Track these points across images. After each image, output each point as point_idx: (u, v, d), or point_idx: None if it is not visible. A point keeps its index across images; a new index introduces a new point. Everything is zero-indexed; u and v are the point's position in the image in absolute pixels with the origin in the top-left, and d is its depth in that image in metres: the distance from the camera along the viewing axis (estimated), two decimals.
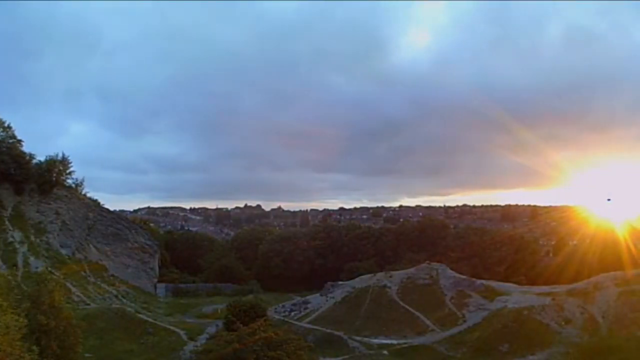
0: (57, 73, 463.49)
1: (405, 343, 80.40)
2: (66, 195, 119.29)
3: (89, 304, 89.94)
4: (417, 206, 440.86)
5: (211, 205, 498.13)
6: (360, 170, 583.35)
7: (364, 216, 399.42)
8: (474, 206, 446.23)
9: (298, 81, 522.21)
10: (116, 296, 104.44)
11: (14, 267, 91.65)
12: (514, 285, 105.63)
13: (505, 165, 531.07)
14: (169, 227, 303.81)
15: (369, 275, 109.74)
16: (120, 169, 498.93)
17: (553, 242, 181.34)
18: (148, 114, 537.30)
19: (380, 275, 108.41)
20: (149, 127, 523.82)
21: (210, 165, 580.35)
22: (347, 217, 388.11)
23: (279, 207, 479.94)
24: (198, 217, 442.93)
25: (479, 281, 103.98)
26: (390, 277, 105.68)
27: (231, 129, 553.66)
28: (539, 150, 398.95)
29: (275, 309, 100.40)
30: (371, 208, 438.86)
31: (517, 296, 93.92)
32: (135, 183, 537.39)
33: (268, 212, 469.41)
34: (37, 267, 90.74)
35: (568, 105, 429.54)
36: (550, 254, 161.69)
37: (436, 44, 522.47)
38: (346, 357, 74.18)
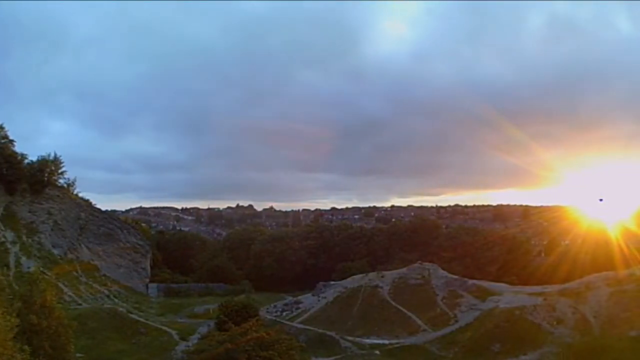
0: (27, 71, 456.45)
1: (397, 343, 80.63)
2: (58, 195, 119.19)
3: (80, 304, 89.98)
4: (409, 206, 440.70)
5: (203, 205, 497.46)
6: (347, 170, 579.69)
7: (356, 216, 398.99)
8: (465, 206, 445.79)
9: (273, 77, 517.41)
10: (108, 296, 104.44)
11: (5, 268, 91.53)
12: (506, 285, 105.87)
13: (496, 165, 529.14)
14: (161, 227, 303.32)
15: (360, 275, 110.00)
16: (104, 168, 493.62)
17: (545, 242, 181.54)
18: (125, 113, 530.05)
19: (372, 275, 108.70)
20: (128, 126, 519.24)
21: (196, 165, 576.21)
22: (339, 217, 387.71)
23: (271, 207, 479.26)
24: (190, 217, 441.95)
25: (470, 281, 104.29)
26: (382, 277, 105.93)
27: (212, 128, 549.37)
28: (529, 149, 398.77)
29: (267, 309, 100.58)
30: (363, 208, 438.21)
31: (509, 296, 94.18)
32: (122, 183, 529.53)
33: (260, 212, 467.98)
34: (29, 267, 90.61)
35: (555, 101, 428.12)
36: (542, 254, 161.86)
37: (413, 36, 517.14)
38: (338, 357, 74.26)
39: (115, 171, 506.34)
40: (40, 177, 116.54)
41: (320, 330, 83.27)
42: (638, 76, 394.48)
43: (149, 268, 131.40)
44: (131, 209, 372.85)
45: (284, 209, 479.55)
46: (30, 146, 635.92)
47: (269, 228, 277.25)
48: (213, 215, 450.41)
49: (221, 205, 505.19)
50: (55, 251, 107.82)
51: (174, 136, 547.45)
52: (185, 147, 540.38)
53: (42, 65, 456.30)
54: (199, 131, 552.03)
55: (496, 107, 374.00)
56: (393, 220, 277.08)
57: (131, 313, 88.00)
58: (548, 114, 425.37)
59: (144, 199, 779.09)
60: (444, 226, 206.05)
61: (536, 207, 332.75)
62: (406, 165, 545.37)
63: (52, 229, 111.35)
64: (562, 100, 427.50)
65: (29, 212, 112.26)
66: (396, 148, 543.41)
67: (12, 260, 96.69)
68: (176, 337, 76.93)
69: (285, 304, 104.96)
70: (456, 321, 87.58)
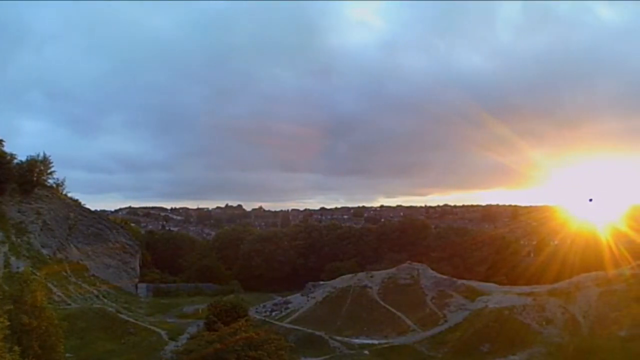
0: None
1: (386, 343, 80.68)
2: (47, 195, 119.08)
3: (70, 304, 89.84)
4: (398, 206, 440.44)
5: (192, 205, 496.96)
6: (330, 169, 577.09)
7: (345, 216, 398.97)
8: (454, 206, 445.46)
9: (240, 74, 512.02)
10: (97, 296, 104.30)
11: None
12: (495, 285, 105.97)
13: (482, 164, 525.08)
14: (150, 227, 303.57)
15: (350, 275, 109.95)
16: (84, 168, 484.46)
17: (534, 242, 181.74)
18: (96, 111, 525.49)
19: (361, 275, 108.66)
20: (101, 124, 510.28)
21: (176, 165, 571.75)
22: (328, 217, 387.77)
23: (260, 207, 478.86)
24: (179, 217, 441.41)
25: (460, 281, 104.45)
26: (371, 277, 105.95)
27: (186, 126, 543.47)
28: (515, 146, 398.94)
29: (257, 309, 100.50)
30: (352, 208, 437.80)
31: (498, 296, 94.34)
32: (105, 183, 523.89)
33: (249, 212, 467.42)
34: (18, 267, 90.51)
35: (537, 96, 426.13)
36: (532, 254, 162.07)
37: (381, 26, 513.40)
38: (327, 357, 74.44)
39: (95, 171, 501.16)
40: (30, 177, 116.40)
41: (309, 330, 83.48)
42: (622, 68, 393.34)
43: (138, 268, 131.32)
44: (120, 209, 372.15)
45: (273, 209, 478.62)
46: (7, 146, 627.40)
47: (258, 228, 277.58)
48: (202, 215, 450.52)
49: (210, 205, 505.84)
50: (45, 251, 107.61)
51: (149, 135, 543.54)
52: (162, 146, 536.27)
53: (7, 62, 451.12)
54: (174, 130, 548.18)
55: (477, 103, 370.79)
56: (382, 220, 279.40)
57: (120, 313, 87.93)
58: (531, 110, 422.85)
59: (129, 199, 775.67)
60: (433, 226, 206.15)
61: (525, 207, 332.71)
62: (389, 165, 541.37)
63: (41, 229, 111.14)
64: (544, 95, 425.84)
65: (18, 212, 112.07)
66: (377, 147, 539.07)
67: (1, 260, 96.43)
68: (165, 337, 76.97)
69: (275, 304, 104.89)
70: (445, 321, 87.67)
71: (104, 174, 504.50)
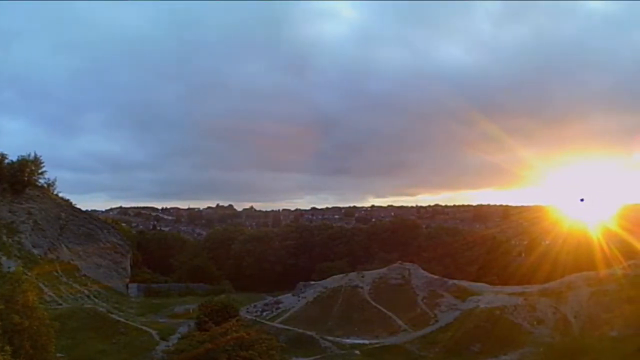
0: None
1: (377, 343, 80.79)
2: (38, 195, 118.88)
3: (61, 304, 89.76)
4: (389, 206, 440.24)
5: (183, 205, 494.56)
6: (316, 169, 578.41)
7: (336, 216, 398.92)
8: (445, 206, 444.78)
9: (213, 72, 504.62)
10: (88, 296, 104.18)
11: None
12: (486, 285, 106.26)
13: (471, 163, 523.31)
14: (141, 227, 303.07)
15: (341, 275, 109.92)
16: (67, 168, 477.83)
17: (525, 242, 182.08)
18: (72, 110, 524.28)
19: (352, 275, 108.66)
20: (80, 124, 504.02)
21: (160, 165, 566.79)
22: (319, 217, 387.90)
23: (251, 207, 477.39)
24: (170, 217, 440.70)
25: (451, 281, 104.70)
26: (363, 277, 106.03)
27: (165, 125, 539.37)
28: (504, 145, 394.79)
29: (247, 309, 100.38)
30: (343, 208, 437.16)
31: (489, 296, 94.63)
32: (91, 183, 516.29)
33: (240, 212, 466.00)
34: (9, 267, 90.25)
35: (524, 91, 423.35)
36: (523, 254, 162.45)
37: (352, 16, 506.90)
38: (318, 357, 74.58)
39: (79, 170, 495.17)
40: (21, 177, 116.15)
41: (300, 330, 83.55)
42: (611, 62, 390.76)
43: (129, 268, 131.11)
44: (111, 209, 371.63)
45: (264, 209, 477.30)
46: None
47: (249, 228, 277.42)
48: (193, 215, 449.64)
49: (201, 205, 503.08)
50: (36, 251, 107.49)
51: (129, 134, 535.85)
52: (144, 145, 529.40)
53: None
54: (153, 129, 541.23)
55: (462, 99, 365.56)
56: (373, 220, 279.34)
57: (111, 313, 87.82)
58: (518, 106, 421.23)
59: (116, 199, 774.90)
60: (424, 226, 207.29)
61: (516, 207, 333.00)
62: (376, 164, 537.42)
63: (32, 229, 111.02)
64: (530, 91, 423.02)
65: (9, 212, 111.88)
66: (362, 146, 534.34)
67: None
68: (156, 337, 76.86)
69: (266, 304, 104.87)
70: (436, 321, 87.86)
71: (88, 173, 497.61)
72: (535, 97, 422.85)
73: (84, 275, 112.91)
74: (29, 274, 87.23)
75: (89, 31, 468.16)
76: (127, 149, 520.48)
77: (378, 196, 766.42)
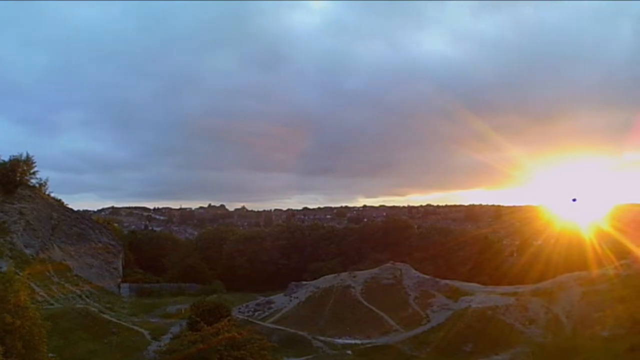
0: None
1: (369, 343, 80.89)
2: (30, 195, 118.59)
3: (52, 304, 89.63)
4: (380, 206, 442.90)
5: (175, 205, 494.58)
6: (302, 169, 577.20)
7: (328, 216, 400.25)
8: (437, 206, 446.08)
9: (186, 69, 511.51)
10: (80, 296, 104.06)
11: None
12: (478, 285, 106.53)
13: (460, 162, 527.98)
14: (133, 227, 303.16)
15: (332, 275, 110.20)
16: (52, 168, 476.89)
17: (517, 242, 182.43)
18: (49, 109, 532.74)
19: (344, 275, 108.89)
20: (58, 123, 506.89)
21: (145, 164, 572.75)
22: (311, 217, 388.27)
23: (243, 207, 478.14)
24: (162, 217, 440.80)
25: (443, 281, 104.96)
26: (354, 277, 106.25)
27: (144, 123, 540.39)
28: (493, 143, 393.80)
29: (239, 309, 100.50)
30: (335, 208, 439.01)
31: (481, 296, 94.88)
32: (77, 183, 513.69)
33: (232, 212, 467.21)
34: (1, 267, 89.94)
35: (507, 85, 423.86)
36: (515, 255, 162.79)
37: (325, 8, 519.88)
38: (310, 357, 74.60)
39: (63, 170, 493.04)
40: (12, 177, 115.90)
41: (292, 330, 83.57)
42: (600, 54, 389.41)
43: (121, 268, 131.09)
44: (103, 209, 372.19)
45: (255, 209, 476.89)
46: None
47: (241, 228, 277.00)
48: (185, 215, 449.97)
49: (193, 205, 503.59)
50: (27, 251, 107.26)
51: (109, 132, 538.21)
52: (125, 144, 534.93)
53: None
54: (133, 127, 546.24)
55: (447, 95, 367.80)
56: (365, 220, 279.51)
57: (103, 313, 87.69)
58: (504, 102, 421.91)
59: (105, 199, 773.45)
60: (415, 226, 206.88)
61: (508, 207, 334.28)
62: (363, 164, 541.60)
63: (24, 229, 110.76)
64: (515, 86, 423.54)
65: (1, 212, 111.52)
66: (346, 145, 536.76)
67: None
68: (148, 337, 76.79)
69: (257, 304, 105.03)
70: (428, 321, 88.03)
71: (73, 173, 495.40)
72: (521, 92, 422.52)
73: (76, 275, 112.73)
74: (21, 274, 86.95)
75: (58, 29, 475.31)
76: (110, 148, 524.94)
77: (368, 196, 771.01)
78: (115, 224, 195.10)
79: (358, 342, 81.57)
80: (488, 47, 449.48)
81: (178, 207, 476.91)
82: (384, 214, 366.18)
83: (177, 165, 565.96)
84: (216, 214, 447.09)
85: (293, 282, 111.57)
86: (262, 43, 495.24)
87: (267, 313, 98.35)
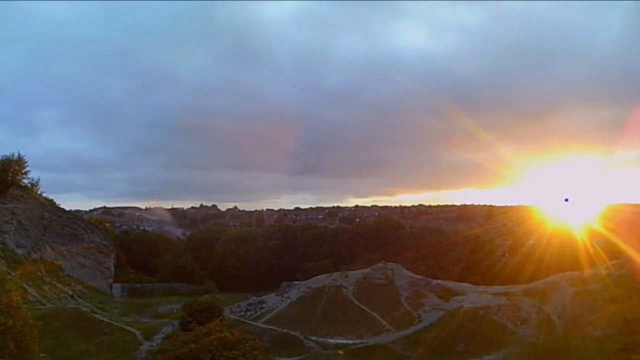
0: None
1: (361, 343, 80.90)
2: (22, 195, 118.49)
3: (44, 304, 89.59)
4: (372, 206, 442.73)
5: (167, 205, 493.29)
6: (288, 168, 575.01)
7: (320, 216, 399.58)
8: (429, 206, 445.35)
9: (159, 65, 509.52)
10: (72, 296, 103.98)
11: None
12: (470, 285, 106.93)
13: (450, 161, 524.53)
14: (125, 227, 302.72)
15: (324, 275, 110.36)
16: (35, 167, 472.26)
17: (509, 243, 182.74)
18: (23, 108, 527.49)
19: (336, 275, 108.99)
20: (35, 122, 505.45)
21: (128, 164, 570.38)
22: (303, 217, 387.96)
23: (235, 207, 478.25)
24: (154, 217, 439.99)
25: (434, 281, 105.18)
26: (346, 277, 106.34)
27: (123, 122, 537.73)
28: (482, 142, 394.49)
29: (231, 308, 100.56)
30: (327, 208, 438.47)
31: (473, 296, 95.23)
32: (63, 182, 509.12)
33: (224, 212, 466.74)
34: None
35: (490, 79, 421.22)
36: (506, 255, 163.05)
37: (300, 2, 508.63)
38: (302, 357, 74.59)
39: (47, 169, 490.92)
40: (4, 177, 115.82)
41: (284, 330, 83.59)
42: (589, 48, 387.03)
43: (113, 268, 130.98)
44: (95, 209, 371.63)
45: (247, 209, 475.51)
46: None
47: (233, 228, 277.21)
48: (177, 216, 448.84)
49: (185, 205, 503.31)
50: (19, 251, 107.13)
51: (88, 131, 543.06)
52: (107, 143, 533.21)
53: None
54: (111, 125, 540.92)
55: (432, 92, 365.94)
56: (357, 220, 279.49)
57: (95, 313, 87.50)
58: (489, 98, 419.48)
59: (92, 199, 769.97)
60: (407, 226, 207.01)
61: (500, 207, 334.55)
62: (350, 163, 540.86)
63: (15, 229, 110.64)
64: (501, 82, 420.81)
65: None
66: (331, 144, 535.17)
67: None
68: (140, 337, 76.69)
69: (249, 304, 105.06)
70: (420, 321, 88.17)
71: (58, 173, 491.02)
72: (509, 88, 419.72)
73: (68, 275, 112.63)
74: (13, 274, 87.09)
75: (28, 27, 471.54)
76: (92, 147, 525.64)
77: (358, 196, 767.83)
78: (107, 224, 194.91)
79: (350, 342, 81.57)
80: (472, 41, 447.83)
81: (170, 207, 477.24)
82: (376, 214, 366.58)
83: (162, 164, 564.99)
84: (208, 214, 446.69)
85: (285, 282, 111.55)
86: (233, 38, 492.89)
87: (259, 313, 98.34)
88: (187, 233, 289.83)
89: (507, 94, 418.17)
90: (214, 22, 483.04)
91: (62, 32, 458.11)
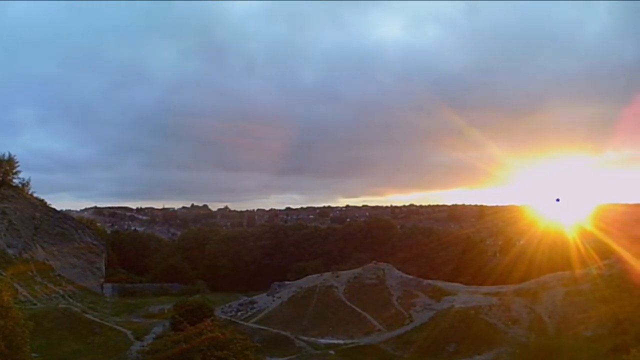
0: None
1: (352, 343, 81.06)
2: (13, 195, 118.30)
3: (35, 304, 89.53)
4: (363, 206, 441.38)
5: (158, 205, 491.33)
6: (273, 168, 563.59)
7: (311, 216, 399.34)
8: (420, 206, 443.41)
9: (130, 61, 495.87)
10: (63, 296, 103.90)
11: None
12: (461, 285, 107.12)
13: (439, 161, 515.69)
14: (116, 227, 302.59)
15: (315, 275, 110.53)
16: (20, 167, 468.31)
17: (500, 243, 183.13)
18: (2, 106, 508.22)
19: (327, 275, 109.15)
20: (17, 121, 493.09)
21: (112, 163, 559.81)
22: (294, 217, 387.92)
23: (226, 207, 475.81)
24: (145, 217, 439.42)
25: (426, 281, 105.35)
26: (337, 277, 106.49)
27: (101, 121, 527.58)
28: (470, 140, 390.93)
29: (222, 309, 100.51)
30: (318, 208, 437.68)
31: (464, 296, 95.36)
32: (48, 182, 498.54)
33: (215, 212, 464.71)
34: None
35: (474, 73, 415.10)
36: (498, 255, 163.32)
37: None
38: (293, 357, 74.61)
39: (32, 170, 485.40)
40: None
41: (275, 330, 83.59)
42: (575, 41, 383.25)
43: (103, 268, 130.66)
44: (86, 209, 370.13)
45: (239, 209, 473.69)
46: None
47: (224, 228, 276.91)
48: (168, 215, 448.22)
49: (176, 205, 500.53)
50: (10, 251, 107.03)
51: (67, 130, 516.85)
52: (88, 142, 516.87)
53: None
54: (89, 124, 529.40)
55: (413, 88, 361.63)
56: (348, 220, 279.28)
57: (86, 313, 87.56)
58: (476, 95, 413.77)
59: (81, 199, 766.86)
60: (398, 226, 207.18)
61: (491, 207, 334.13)
62: (336, 163, 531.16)
63: (6, 229, 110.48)
64: (481, 73, 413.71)
65: None
66: (314, 144, 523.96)
67: None
68: (131, 337, 76.64)
69: (240, 304, 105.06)
70: (411, 321, 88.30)
71: (42, 173, 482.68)
72: (493, 84, 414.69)
73: (59, 275, 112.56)
74: (4, 274, 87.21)
75: None
76: (74, 146, 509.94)
77: (347, 196, 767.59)
78: (98, 224, 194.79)
79: (341, 342, 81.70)
80: (453, 34, 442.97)
81: (161, 207, 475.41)
82: (367, 214, 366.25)
83: (146, 164, 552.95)
84: (199, 214, 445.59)
85: (276, 282, 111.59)
86: (199, 33, 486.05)
87: (250, 313, 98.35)
88: (178, 233, 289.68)
89: (493, 90, 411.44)
90: (179, 16, 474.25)
91: (33, 31, 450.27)
